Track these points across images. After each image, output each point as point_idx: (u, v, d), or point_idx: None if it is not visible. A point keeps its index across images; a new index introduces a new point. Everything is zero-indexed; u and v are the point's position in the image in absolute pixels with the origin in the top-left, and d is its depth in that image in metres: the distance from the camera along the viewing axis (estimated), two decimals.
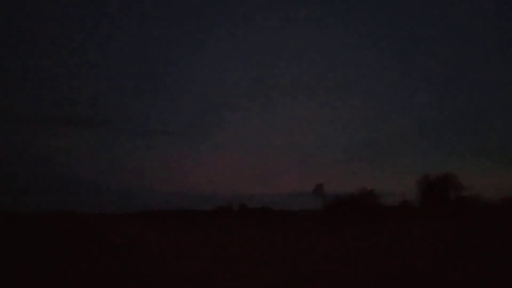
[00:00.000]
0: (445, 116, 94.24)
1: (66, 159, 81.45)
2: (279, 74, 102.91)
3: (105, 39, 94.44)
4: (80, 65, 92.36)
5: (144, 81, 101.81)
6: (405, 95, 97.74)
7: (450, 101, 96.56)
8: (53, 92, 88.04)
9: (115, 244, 17.49)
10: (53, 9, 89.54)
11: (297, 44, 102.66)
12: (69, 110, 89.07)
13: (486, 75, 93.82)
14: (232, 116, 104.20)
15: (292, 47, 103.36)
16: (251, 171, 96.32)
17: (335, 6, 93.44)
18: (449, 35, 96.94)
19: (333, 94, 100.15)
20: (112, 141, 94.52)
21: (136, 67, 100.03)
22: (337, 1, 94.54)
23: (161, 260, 13.06)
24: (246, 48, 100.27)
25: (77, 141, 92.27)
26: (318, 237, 20.81)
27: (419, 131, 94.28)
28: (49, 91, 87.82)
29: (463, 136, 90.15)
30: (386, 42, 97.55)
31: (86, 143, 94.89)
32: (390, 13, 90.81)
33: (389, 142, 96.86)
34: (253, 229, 27.49)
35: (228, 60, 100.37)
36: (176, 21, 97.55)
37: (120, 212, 56.94)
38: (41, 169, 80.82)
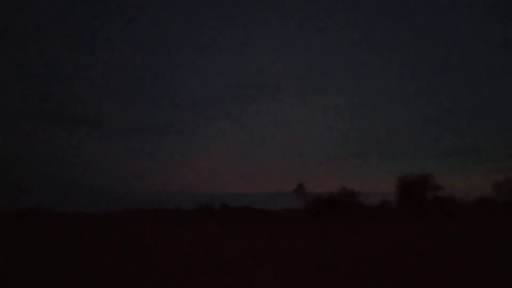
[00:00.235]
0: (423, 118, 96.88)
1: (52, 157, 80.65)
2: (262, 75, 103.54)
3: (93, 38, 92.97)
4: (68, 64, 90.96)
5: (126, 81, 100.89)
6: (385, 96, 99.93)
7: (428, 103, 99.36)
8: (39, 90, 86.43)
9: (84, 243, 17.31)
10: (40, 6, 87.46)
11: (280, 45, 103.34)
12: (53, 108, 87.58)
13: (463, 78, 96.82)
14: (214, 116, 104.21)
15: (274, 48, 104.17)
16: (233, 171, 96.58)
17: (316, 8, 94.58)
18: (428, 37, 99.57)
19: (314, 95, 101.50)
20: (92, 140, 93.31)
21: (122, 70, 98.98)
22: (319, 3, 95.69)
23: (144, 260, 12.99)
24: (230, 49, 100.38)
25: (63, 141, 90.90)
26: (293, 237, 21.06)
27: (398, 132, 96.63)
28: (35, 89, 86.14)
29: (440, 137, 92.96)
30: (366, 44, 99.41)
31: (72, 143, 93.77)
32: (368, 15, 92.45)
33: (370, 143, 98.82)
34: (234, 229, 27.55)
35: (212, 61, 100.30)
36: (159, 23, 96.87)
37: (98, 211, 56.20)
38: (31, 167, 79.45)
